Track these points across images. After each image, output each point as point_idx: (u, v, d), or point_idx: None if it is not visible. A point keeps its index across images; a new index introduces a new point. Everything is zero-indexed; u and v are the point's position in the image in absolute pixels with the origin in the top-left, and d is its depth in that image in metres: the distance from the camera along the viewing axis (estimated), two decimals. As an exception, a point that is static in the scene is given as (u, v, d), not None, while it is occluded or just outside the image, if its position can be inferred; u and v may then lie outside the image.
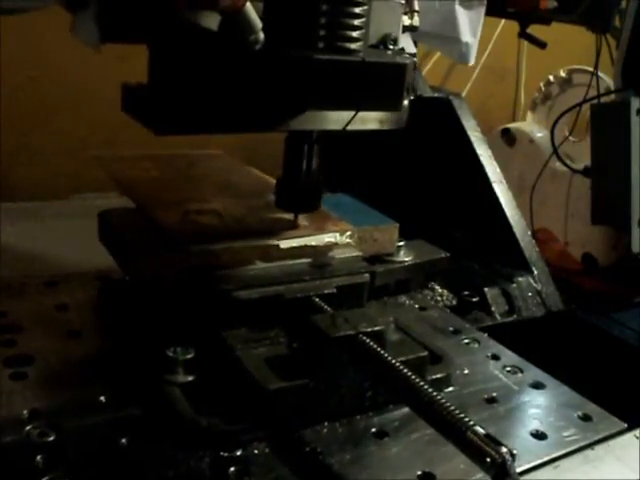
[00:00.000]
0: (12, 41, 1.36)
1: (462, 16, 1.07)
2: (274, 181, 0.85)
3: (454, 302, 1.03)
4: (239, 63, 0.64)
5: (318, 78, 0.67)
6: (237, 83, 0.65)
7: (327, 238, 0.86)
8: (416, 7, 0.80)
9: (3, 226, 1.19)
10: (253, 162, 1.08)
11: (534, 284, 1.13)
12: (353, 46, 0.68)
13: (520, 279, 1.12)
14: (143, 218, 0.85)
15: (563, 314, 1.13)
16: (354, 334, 0.67)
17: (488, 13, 1.18)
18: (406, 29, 0.79)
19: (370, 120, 0.75)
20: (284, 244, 0.82)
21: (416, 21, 0.79)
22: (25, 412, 0.65)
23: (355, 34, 0.68)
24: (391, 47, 0.74)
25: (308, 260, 0.84)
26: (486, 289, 1.07)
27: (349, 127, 0.73)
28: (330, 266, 0.84)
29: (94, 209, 0.89)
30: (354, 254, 0.87)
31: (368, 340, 0.67)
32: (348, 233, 0.88)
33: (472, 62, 1.12)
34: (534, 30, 1.36)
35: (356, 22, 0.68)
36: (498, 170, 1.23)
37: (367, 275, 0.84)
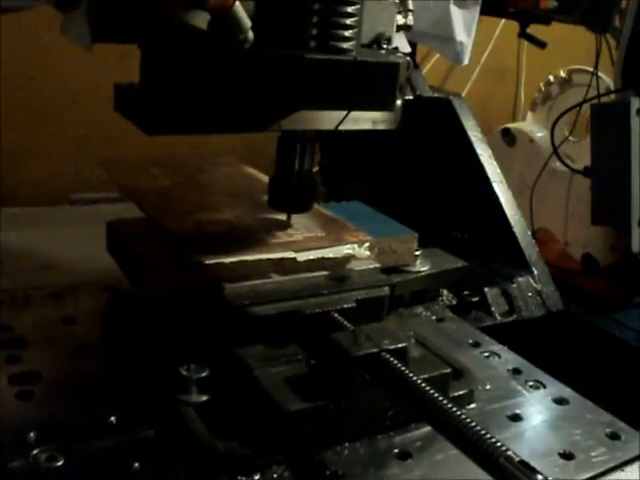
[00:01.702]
0: (12, 41, 1.36)
1: (456, 15, 1.07)
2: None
3: (454, 302, 1.03)
4: (230, 63, 0.64)
5: (310, 78, 0.66)
6: (228, 83, 0.65)
7: (345, 250, 0.82)
8: (410, 6, 0.79)
9: (4, 233, 1.18)
10: (253, 162, 1.08)
11: (534, 284, 1.13)
12: (345, 45, 0.68)
13: (520, 279, 1.12)
14: (153, 229, 0.82)
15: (563, 314, 1.13)
16: (377, 352, 0.65)
17: (488, 13, 1.18)
18: (400, 28, 0.79)
19: (363, 120, 0.74)
20: (301, 257, 0.79)
21: (410, 20, 0.79)
22: (32, 435, 0.61)
23: (347, 33, 0.68)
24: (385, 46, 0.74)
25: (325, 273, 0.80)
26: (486, 289, 1.07)
27: (342, 127, 0.72)
28: (349, 279, 0.80)
29: (98, 214, 0.87)
30: (372, 266, 0.84)
31: (392, 358, 0.64)
32: (367, 244, 0.84)
33: (466, 62, 1.12)
34: (534, 30, 1.36)
35: (348, 21, 0.67)
36: (498, 170, 1.23)
37: (387, 288, 0.81)
